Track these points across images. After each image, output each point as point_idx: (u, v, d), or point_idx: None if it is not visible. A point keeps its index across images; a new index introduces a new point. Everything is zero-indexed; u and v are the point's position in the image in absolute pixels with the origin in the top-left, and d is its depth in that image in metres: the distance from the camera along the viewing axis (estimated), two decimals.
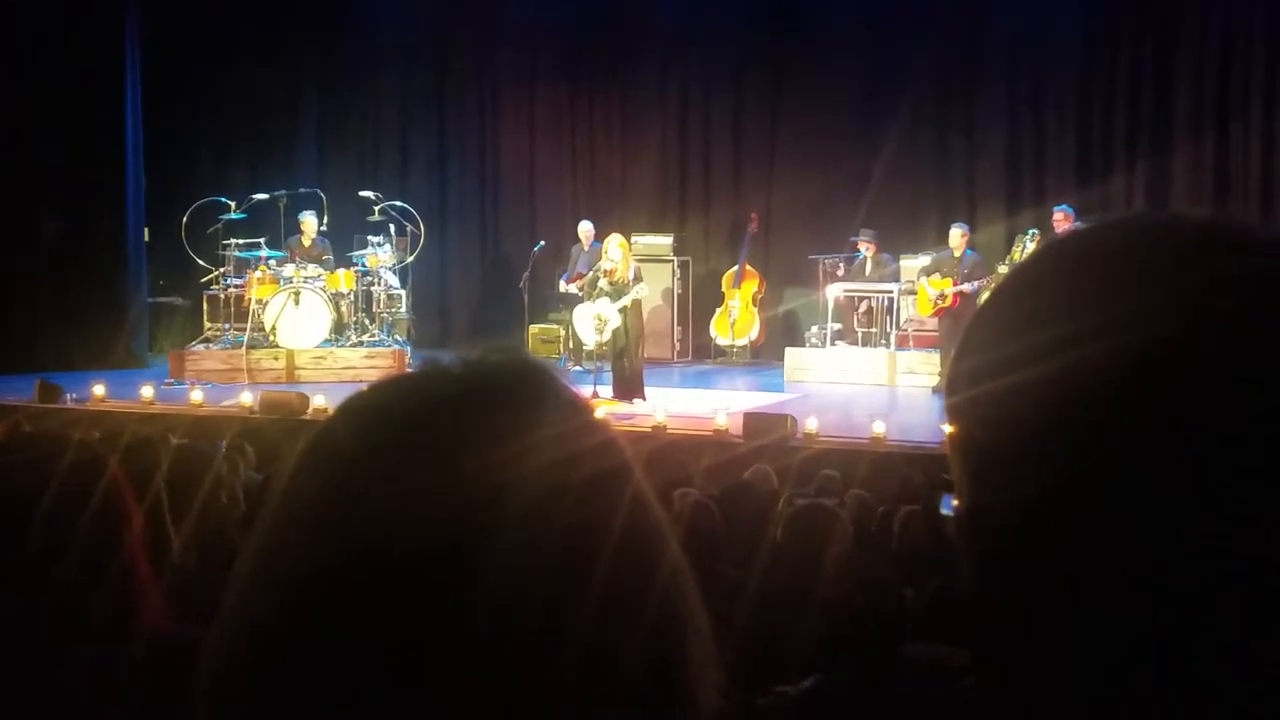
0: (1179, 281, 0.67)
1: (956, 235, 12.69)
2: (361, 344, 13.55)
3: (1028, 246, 12.32)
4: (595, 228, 14.50)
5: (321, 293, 13.24)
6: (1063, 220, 12.40)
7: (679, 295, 15.42)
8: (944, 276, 12.64)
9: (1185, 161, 13.94)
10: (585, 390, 11.05)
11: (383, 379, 0.78)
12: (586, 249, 14.29)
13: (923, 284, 12.86)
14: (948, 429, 0.75)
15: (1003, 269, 12.48)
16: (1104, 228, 0.74)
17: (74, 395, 10.94)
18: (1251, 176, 13.63)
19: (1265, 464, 0.63)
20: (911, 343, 13.57)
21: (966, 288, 12.44)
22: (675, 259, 15.36)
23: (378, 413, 0.74)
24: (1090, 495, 0.66)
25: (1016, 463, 0.69)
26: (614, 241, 11.59)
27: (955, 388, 0.74)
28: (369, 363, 13.26)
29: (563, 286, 14.24)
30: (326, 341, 13.29)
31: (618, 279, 11.41)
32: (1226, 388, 0.64)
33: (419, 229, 14.33)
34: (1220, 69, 13.72)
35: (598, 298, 11.51)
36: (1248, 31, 13.60)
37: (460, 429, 0.72)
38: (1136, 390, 0.65)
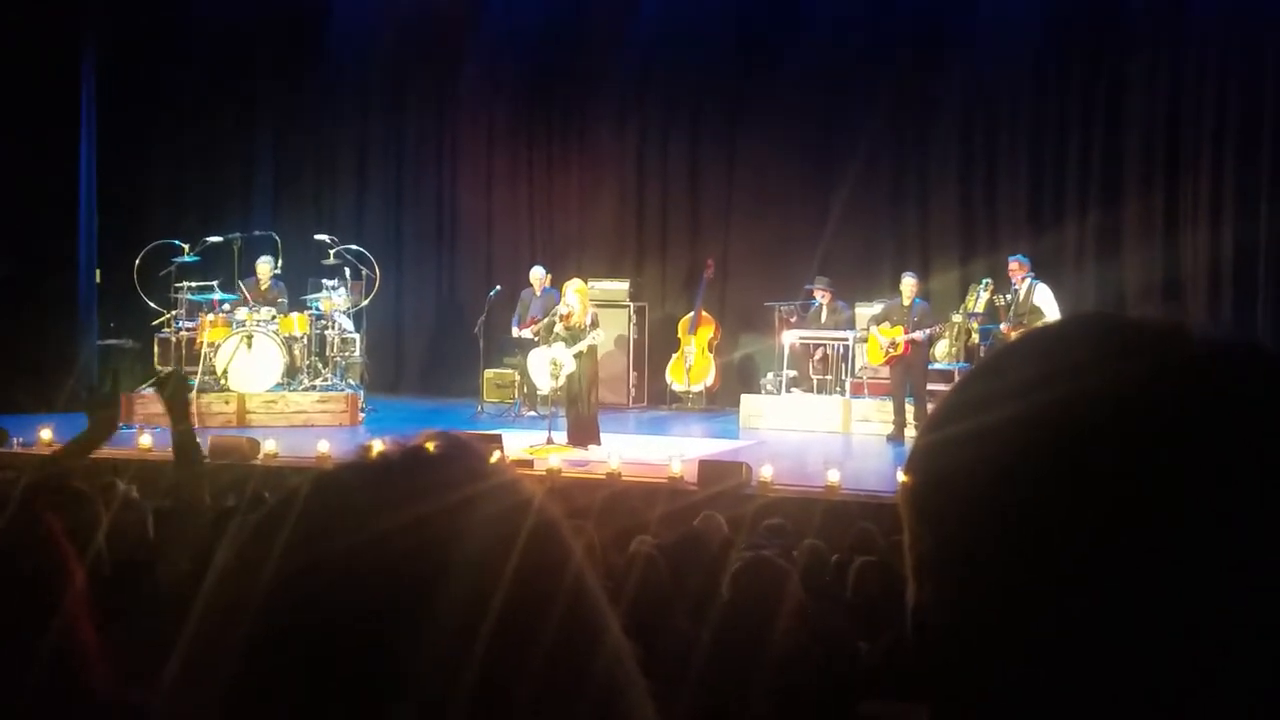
0: (1110, 373, 0.72)
1: (907, 284, 12.76)
2: (314, 388, 13.48)
3: (981, 296, 12.66)
4: (552, 273, 14.51)
5: (275, 336, 13.17)
6: (1018, 270, 12.49)
7: (635, 340, 15.47)
8: (895, 325, 12.67)
9: (1136, 210, 14.13)
10: (540, 436, 11.53)
11: (342, 461, 0.83)
12: (539, 294, 14.31)
13: (874, 332, 12.91)
14: (901, 478, 0.79)
15: (956, 318, 12.86)
16: (1057, 323, 0.79)
17: (20, 439, 10.72)
18: (1200, 223, 13.80)
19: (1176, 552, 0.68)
20: (866, 390, 13.60)
21: (917, 336, 12.48)
22: (632, 304, 15.43)
23: (327, 491, 0.80)
24: (1020, 549, 0.71)
25: (963, 508, 0.74)
26: (571, 286, 11.63)
27: (915, 449, 0.79)
28: (321, 407, 13.22)
29: (515, 332, 14.23)
30: (279, 385, 13.21)
31: (574, 324, 11.43)
32: (1144, 473, 0.69)
33: (374, 273, 14.30)
34: (1170, 114, 13.87)
35: (554, 342, 11.51)
36: (1199, 78, 13.74)
37: (398, 504, 0.77)
38: (1062, 463, 0.70)
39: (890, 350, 12.66)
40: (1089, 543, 0.69)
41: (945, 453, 0.76)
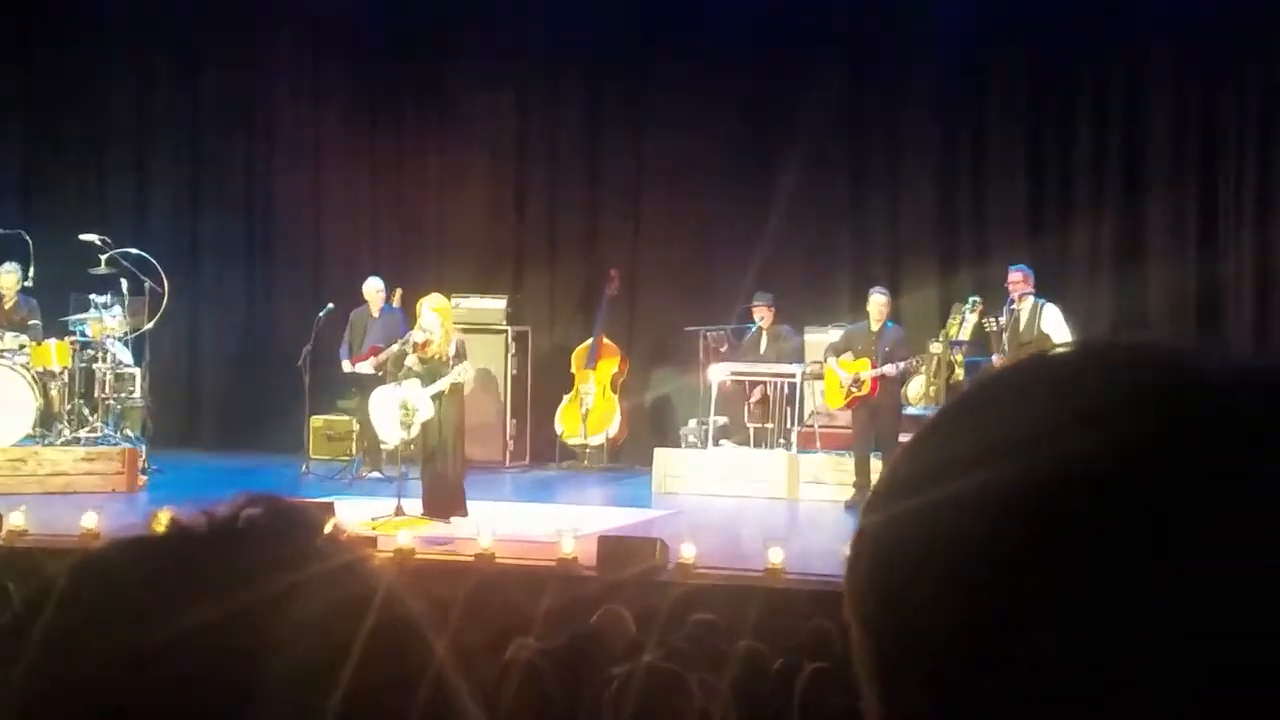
0: (1102, 404, 0.76)
1: (876, 303, 12.86)
2: (78, 441, 13.37)
3: (968, 319, 12.78)
4: (401, 287, 14.68)
5: (24, 371, 13.06)
6: (1021, 283, 12.64)
7: (514, 377, 15.55)
8: (859, 356, 12.82)
9: (1163, 209, 14.50)
10: (386, 504, 11.53)
11: (116, 539, 0.86)
12: (376, 314, 14.47)
13: (832, 365, 13.02)
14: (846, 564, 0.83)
15: (936, 347, 12.80)
16: (1057, 353, 0.83)
17: None
18: (1245, 224, 14.20)
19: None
20: (819, 442, 13.73)
21: (888, 370, 12.64)
22: (510, 329, 15.53)
23: (95, 581, 0.82)
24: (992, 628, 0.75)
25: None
26: (429, 304, 11.65)
27: (862, 528, 0.83)
28: (87, 466, 13.09)
29: (346, 366, 14.32)
30: (30, 438, 13.09)
31: (433, 355, 11.45)
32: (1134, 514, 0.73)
33: (161, 286, 14.19)
34: (1206, 94, 14.40)
35: (404, 379, 11.52)
36: (1206, 71, 14.38)
37: (196, 598, 0.80)
38: (1064, 552, 0.74)
39: (853, 389, 12.73)
40: (1100, 671, 0.72)
41: (903, 534, 0.78)
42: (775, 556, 9.35)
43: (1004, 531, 0.74)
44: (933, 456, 0.80)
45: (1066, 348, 0.82)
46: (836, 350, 13.06)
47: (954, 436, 0.79)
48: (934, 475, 0.78)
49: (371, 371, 13.44)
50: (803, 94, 15.27)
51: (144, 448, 13.66)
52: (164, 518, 0.85)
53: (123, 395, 13.99)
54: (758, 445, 14.04)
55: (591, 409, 15.16)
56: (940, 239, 15.08)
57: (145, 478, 13.39)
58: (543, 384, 15.73)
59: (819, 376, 13.49)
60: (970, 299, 12.92)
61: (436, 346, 11.42)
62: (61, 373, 13.41)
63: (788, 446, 13.77)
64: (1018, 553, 0.73)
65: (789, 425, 13.85)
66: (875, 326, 12.83)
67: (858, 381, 12.73)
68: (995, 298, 12.98)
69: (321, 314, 14.55)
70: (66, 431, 13.38)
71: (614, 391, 15.31)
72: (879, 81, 15.30)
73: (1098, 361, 0.79)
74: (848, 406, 12.93)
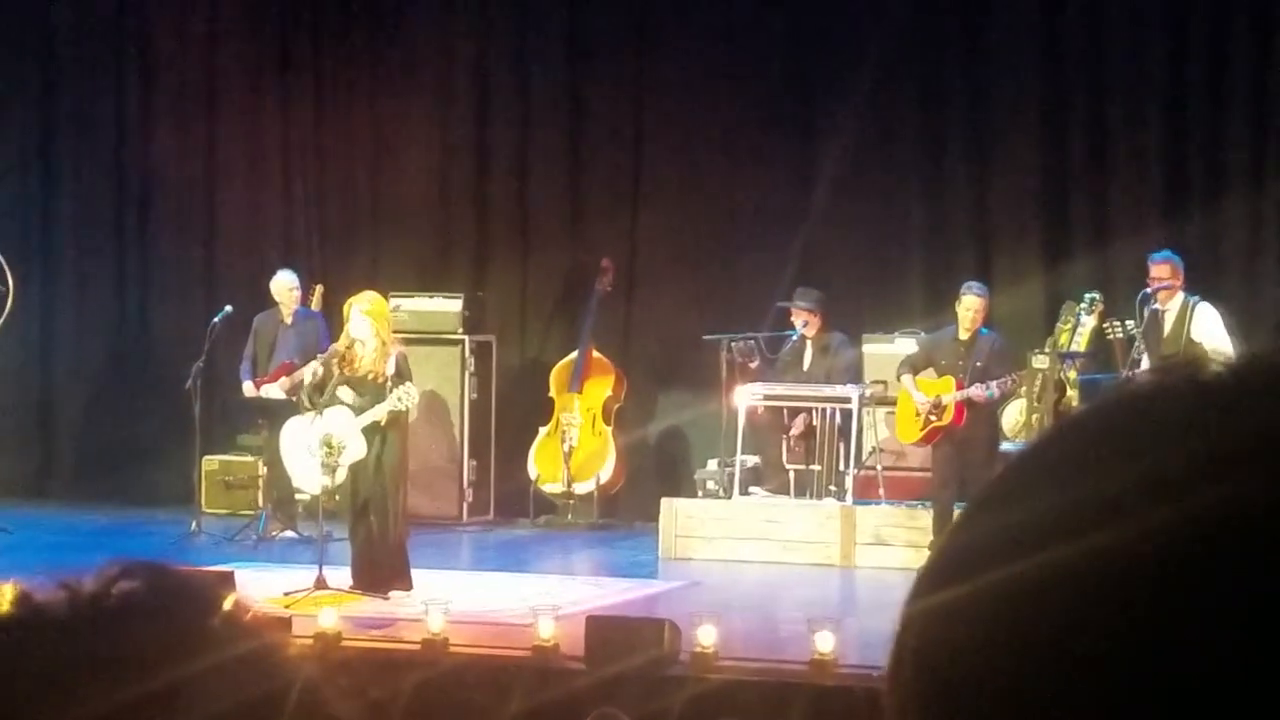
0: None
1: (969, 304, 12.87)
2: None
3: (1083, 322, 12.68)
4: (321, 284, 14.81)
5: None
6: (1169, 275, 12.56)
7: (474, 403, 15.42)
8: (943, 374, 12.91)
9: None
10: (306, 574, 11.48)
11: None
12: (288, 320, 14.40)
13: (907, 386, 13.02)
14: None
15: (1040, 361, 12.53)
16: (1206, 371, 0.82)
17: None
18: None
19: None
20: (883, 490, 13.72)
21: (976, 393, 12.59)
22: (469, 339, 15.40)
23: None
24: None
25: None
26: (361, 305, 11.59)
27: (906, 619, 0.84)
28: None
29: (249, 389, 14.31)
30: None
31: (365, 374, 11.43)
32: None
33: (3, 281, 14.37)
34: None
35: (327, 407, 11.45)
36: None
37: (52, 695, 0.87)
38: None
39: (932, 418, 12.75)
40: None
41: (961, 629, 0.80)
42: (824, 644, 9.23)
43: (1112, 620, 0.75)
44: (1002, 521, 0.81)
45: (1217, 365, 0.82)
46: (914, 366, 13.07)
47: (1034, 491, 0.81)
48: (1002, 547, 0.79)
49: (283, 396, 13.44)
50: (858, 29, 15.18)
51: None
52: (9, 592, 0.88)
53: None
54: (800, 494, 13.94)
55: (577, 446, 14.98)
56: (1044, 218, 14.93)
57: None
58: (511, 412, 15.64)
59: (885, 401, 13.60)
60: (1086, 297, 12.82)
61: (370, 363, 11.40)
62: None
63: (840, 496, 13.66)
64: (1140, 653, 0.75)
65: (842, 467, 13.82)
66: (965, 335, 12.85)
67: (938, 407, 12.71)
68: (1118, 295, 13.00)
69: (217, 319, 14.44)
70: None
71: (606, 423, 15.17)
72: (958, 17, 15.17)
73: (1263, 384, 0.80)
74: (925, 441, 12.98)
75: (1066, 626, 0.76)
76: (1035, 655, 0.76)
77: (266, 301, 14.63)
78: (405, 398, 11.30)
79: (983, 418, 12.66)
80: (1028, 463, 0.83)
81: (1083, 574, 0.75)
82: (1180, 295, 12.58)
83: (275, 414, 13.47)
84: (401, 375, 11.36)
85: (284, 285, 14.42)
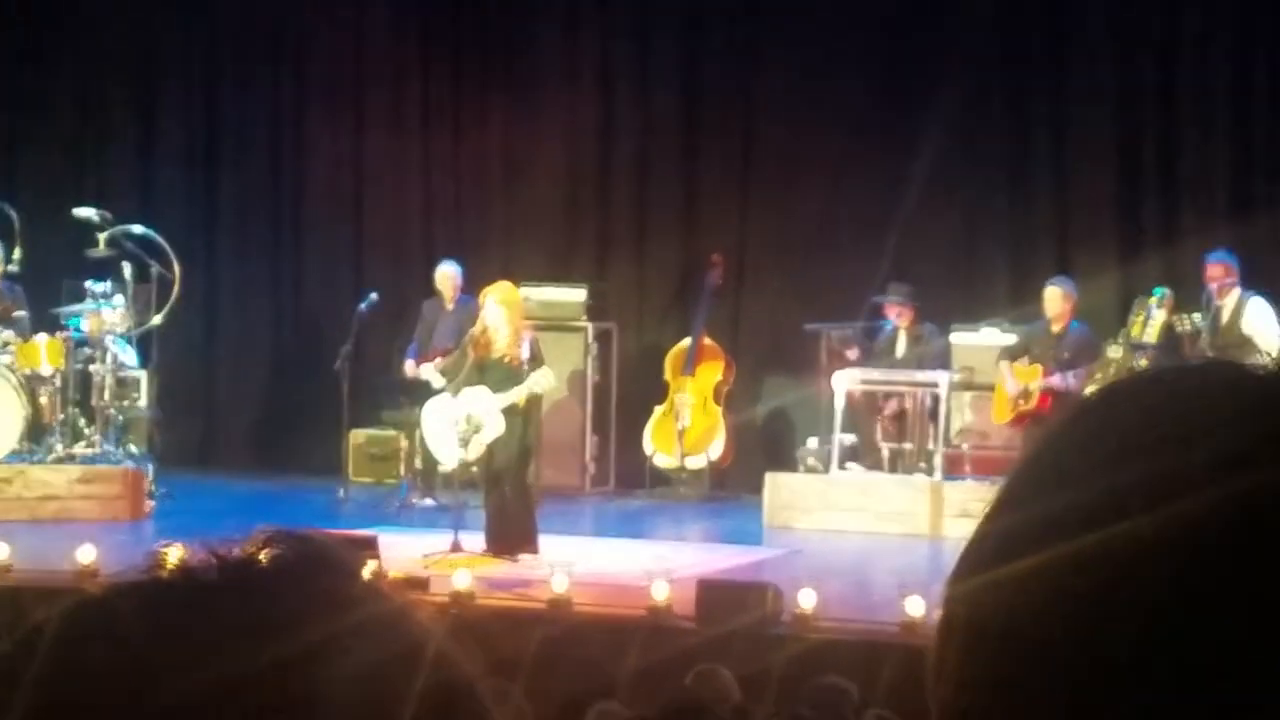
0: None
1: (1055, 297, 13.04)
2: (73, 458, 13.45)
3: (1154, 315, 12.83)
4: (466, 274, 14.64)
5: (9, 373, 13.12)
6: (1222, 274, 12.63)
7: (596, 385, 15.60)
8: (1034, 363, 13.04)
9: None
10: (442, 539, 11.67)
11: (115, 583, 0.92)
12: (451, 307, 14.44)
13: (1004, 371, 13.31)
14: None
15: (1114, 352, 12.95)
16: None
17: None
18: None
19: None
20: (969, 467, 13.72)
21: (1057, 382, 12.82)
22: (591, 325, 15.60)
23: (92, 630, 0.88)
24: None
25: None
26: (494, 295, 11.69)
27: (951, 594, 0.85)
28: (84, 490, 13.13)
29: (410, 370, 14.22)
30: (16, 454, 13.15)
31: (499, 357, 11.51)
32: None
33: (171, 272, 14.15)
34: None
35: (464, 388, 11.53)
36: None
37: (210, 653, 0.85)
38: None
39: (1020, 403, 12.92)
40: None
41: (1007, 607, 0.80)
42: (914, 607, 9.27)
43: (1160, 589, 0.75)
44: (1041, 501, 0.81)
45: (1261, 356, 0.87)
46: (1013, 354, 13.22)
47: (1067, 471, 0.81)
48: (1039, 529, 0.79)
49: (438, 378, 13.35)
50: (951, 40, 15.27)
51: (150, 468, 13.76)
52: (171, 556, 0.89)
53: (125, 404, 14.08)
54: (893, 470, 14.08)
55: (690, 425, 15.14)
56: (1119, 216, 15.01)
57: (152, 504, 13.46)
58: (630, 393, 15.79)
59: (972, 386, 13.69)
60: (1158, 291, 12.92)
61: (505, 347, 11.51)
62: (53, 376, 13.50)
63: (930, 472, 13.78)
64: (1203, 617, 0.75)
65: (931, 446, 13.89)
66: (1057, 327, 12.99)
67: (1025, 394, 12.91)
68: (1187, 291, 13.02)
69: (363, 306, 14.67)
70: (59, 447, 13.45)
71: (717, 403, 15.29)
72: (1043, 20, 15.24)
73: None
74: (1014, 424, 13.07)
75: (1108, 599, 0.75)
76: (1098, 622, 0.76)
77: (423, 290, 14.90)
78: (542, 380, 11.58)
79: (1064, 404, 12.04)
80: (1060, 445, 0.83)
81: (1119, 552, 0.75)
82: (1236, 290, 12.62)
83: (417, 393, 13.50)
84: (537, 359, 11.59)
85: (446, 274, 14.60)
